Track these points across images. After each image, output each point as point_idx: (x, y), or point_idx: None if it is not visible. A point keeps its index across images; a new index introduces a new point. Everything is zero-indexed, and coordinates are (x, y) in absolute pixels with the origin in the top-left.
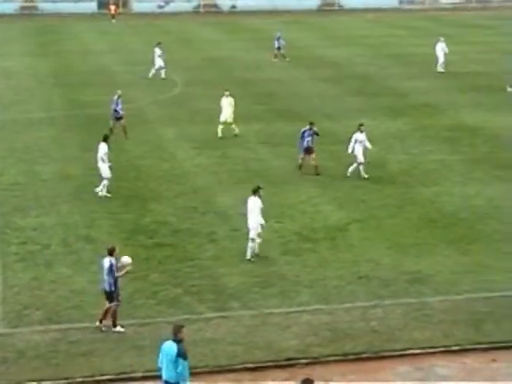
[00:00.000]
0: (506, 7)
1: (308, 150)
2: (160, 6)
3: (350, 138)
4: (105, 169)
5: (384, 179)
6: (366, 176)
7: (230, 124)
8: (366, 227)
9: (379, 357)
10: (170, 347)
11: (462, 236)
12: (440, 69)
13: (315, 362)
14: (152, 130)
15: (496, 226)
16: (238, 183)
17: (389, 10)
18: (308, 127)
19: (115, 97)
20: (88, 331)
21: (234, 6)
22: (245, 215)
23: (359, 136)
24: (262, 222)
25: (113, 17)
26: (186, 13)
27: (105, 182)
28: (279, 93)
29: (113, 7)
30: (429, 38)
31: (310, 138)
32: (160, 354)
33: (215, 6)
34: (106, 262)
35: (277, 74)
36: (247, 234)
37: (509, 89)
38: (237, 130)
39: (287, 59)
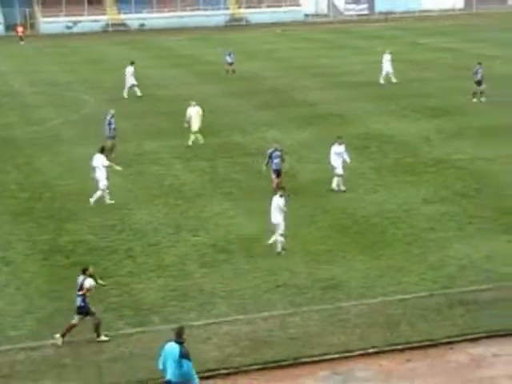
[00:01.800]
0: (407, 18)
1: (278, 173)
2: (68, 27)
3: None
4: (102, 179)
5: (296, 189)
6: (343, 189)
7: (198, 133)
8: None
9: (299, 363)
10: (172, 348)
11: (374, 241)
12: (382, 82)
13: (236, 371)
14: (66, 150)
15: (407, 230)
16: (153, 199)
17: (295, 23)
18: (273, 149)
19: (108, 116)
20: (7, 354)
21: (142, 25)
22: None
23: (337, 148)
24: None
25: (21, 39)
26: (95, 32)
27: (99, 192)
28: None
29: (20, 29)
30: (335, 50)
31: (277, 160)
32: (162, 356)
33: (123, 24)
34: (79, 279)
35: (186, 91)
36: (166, 248)
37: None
38: (202, 141)
39: (234, 74)
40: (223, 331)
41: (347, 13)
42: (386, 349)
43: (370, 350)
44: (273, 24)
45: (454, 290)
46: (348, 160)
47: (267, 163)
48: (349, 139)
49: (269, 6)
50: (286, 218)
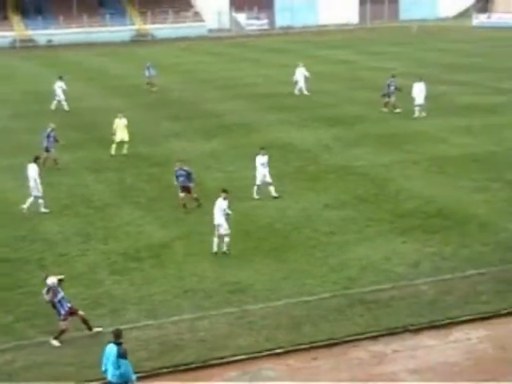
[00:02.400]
0: (306, 32)
1: (185, 189)
2: None
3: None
4: (35, 188)
5: (202, 196)
6: (275, 195)
7: (124, 143)
8: (188, 243)
9: (209, 365)
10: (111, 349)
11: (278, 245)
12: (297, 92)
13: (147, 375)
14: None
15: (309, 234)
16: (63, 210)
17: (199, 38)
18: (178, 167)
19: (48, 129)
20: None
21: (50, 41)
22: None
23: (261, 159)
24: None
25: None
26: (2, 48)
27: (31, 199)
28: (99, 121)
29: None
30: (238, 63)
31: (182, 178)
32: (103, 358)
33: (31, 40)
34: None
35: (95, 104)
36: (77, 257)
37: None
38: (126, 151)
39: (154, 89)
40: (133, 336)
41: (249, 28)
42: (292, 348)
43: (277, 351)
44: (177, 39)
45: (355, 290)
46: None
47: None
48: (253, 148)
49: (173, 22)
50: (228, 220)
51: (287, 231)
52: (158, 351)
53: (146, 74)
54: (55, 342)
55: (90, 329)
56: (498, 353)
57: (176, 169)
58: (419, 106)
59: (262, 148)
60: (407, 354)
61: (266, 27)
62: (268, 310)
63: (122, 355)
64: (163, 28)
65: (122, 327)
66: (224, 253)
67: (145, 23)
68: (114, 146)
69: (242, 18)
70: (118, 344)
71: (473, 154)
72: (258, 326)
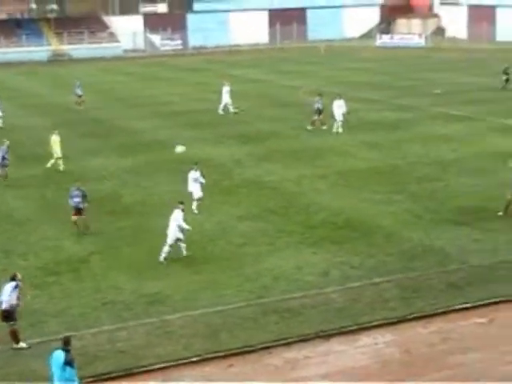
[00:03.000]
0: (219, 52)
1: (77, 211)
2: None
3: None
4: None
5: (119, 212)
6: (196, 211)
7: (59, 159)
8: (106, 257)
9: (129, 374)
10: (59, 355)
11: (195, 257)
12: (221, 112)
13: None
14: None
15: (224, 246)
16: None
17: (114, 58)
18: (74, 188)
19: (4, 146)
20: None
21: None
22: None
23: (193, 174)
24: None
25: None
26: None
27: None
28: (20, 139)
29: None
30: (153, 82)
31: (77, 199)
32: (51, 363)
33: None
34: (11, 284)
35: (15, 122)
36: None
37: (308, 127)
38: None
39: (82, 107)
40: (53, 348)
41: (163, 48)
42: (209, 356)
43: (195, 359)
44: (93, 59)
45: (269, 299)
46: (203, 181)
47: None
48: (168, 164)
49: (89, 43)
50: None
51: (204, 243)
52: (79, 362)
53: (78, 92)
54: (23, 344)
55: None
56: (403, 356)
57: (72, 189)
58: (338, 121)
59: (196, 163)
60: (319, 360)
61: (179, 47)
62: (186, 319)
63: (68, 362)
64: (79, 48)
65: (41, 340)
66: (187, 256)
67: (61, 44)
68: (52, 160)
69: (156, 38)
70: (67, 351)
71: (378, 168)
72: (176, 336)
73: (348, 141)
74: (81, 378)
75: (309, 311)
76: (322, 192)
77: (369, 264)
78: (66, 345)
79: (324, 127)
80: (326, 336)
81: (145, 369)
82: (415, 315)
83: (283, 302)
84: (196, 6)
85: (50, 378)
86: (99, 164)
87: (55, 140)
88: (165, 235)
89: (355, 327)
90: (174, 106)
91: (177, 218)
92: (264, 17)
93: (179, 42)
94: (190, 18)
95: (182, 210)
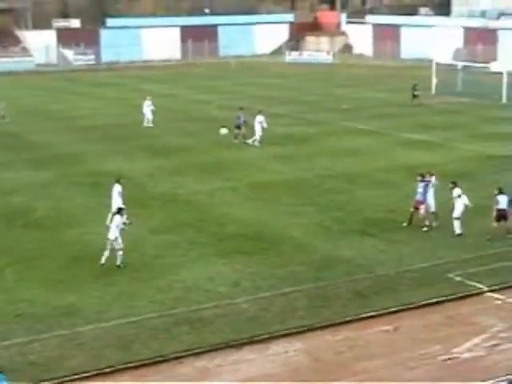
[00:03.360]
0: (132, 67)
1: None
2: None
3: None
4: None
5: (31, 225)
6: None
7: None
8: (19, 270)
9: None
10: None
11: (107, 269)
12: (146, 124)
13: None
14: None
15: (137, 258)
16: None
17: (27, 72)
18: None
19: None
20: None
21: None
22: None
23: (118, 188)
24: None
25: None
26: None
27: None
28: None
29: None
30: (65, 96)
31: None
32: None
33: None
34: None
35: None
36: None
37: (230, 138)
38: None
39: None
40: None
41: (76, 63)
42: (122, 367)
43: (107, 370)
44: (5, 73)
45: (181, 309)
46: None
47: None
48: (81, 178)
49: (1, 57)
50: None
51: (115, 256)
52: None
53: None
54: None
55: None
56: (312, 363)
57: None
58: (256, 136)
59: (119, 178)
60: (230, 368)
61: (92, 62)
62: (98, 331)
63: None
64: None
65: None
66: (118, 266)
67: None
68: None
69: (69, 53)
70: None
71: (288, 181)
72: (88, 347)
73: (259, 154)
74: None
75: (220, 321)
76: (233, 204)
77: (279, 274)
78: None
79: (249, 141)
80: (238, 345)
81: (57, 381)
82: (323, 324)
83: (195, 312)
84: (109, 22)
85: None
86: (10, 178)
87: None
88: (78, 247)
89: (266, 336)
90: (86, 120)
91: (118, 222)
92: (176, 33)
93: (92, 57)
94: (103, 34)
95: (122, 215)
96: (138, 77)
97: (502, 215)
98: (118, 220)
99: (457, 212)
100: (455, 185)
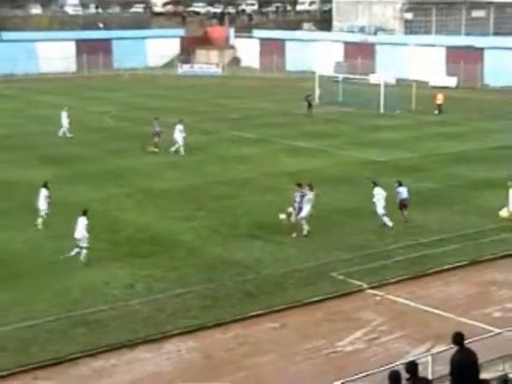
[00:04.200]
0: (27, 79)
1: None
2: None
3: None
4: None
5: None
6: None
7: None
8: None
9: None
10: None
11: (4, 275)
12: (62, 134)
13: None
14: None
15: (34, 264)
16: None
17: None
18: None
19: None
20: None
21: None
22: None
23: (44, 192)
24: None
25: None
26: None
27: None
28: None
29: None
30: None
31: None
32: None
33: None
34: None
35: None
36: None
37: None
38: None
39: None
40: None
41: None
42: (17, 370)
43: (2, 373)
44: None
45: (77, 312)
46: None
47: None
48: None
49: None
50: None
51: (14, 261)
52: None
53: None
54: None
55: None
56: (204, 360)
57: None
58: (179, 144)
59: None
60: (125, 368)
61: None
62: None
63: None
64: None
65: None
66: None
67: None
68: None
69: None
70: None
71: (180, 187)
72: None
73: (152, 162)
74: None
75: (115, 322)
76: (127, 210)
77: (172, 276)
78: None
79: (156, 150)
80: (132, 345)
81: None
82: (215, 322)
83: (91, 314)
84: (4, 35)
85: None
86: None
87: None
88: None
89: (159, 336)
90: None
91: (83, 223)
92: (71, 47)
93: None
94: None
95: (87, 218)
96: (34, 89)
97: (403, 204)
98: (85, 221)
99: (379, 208)
100: (375, 184)
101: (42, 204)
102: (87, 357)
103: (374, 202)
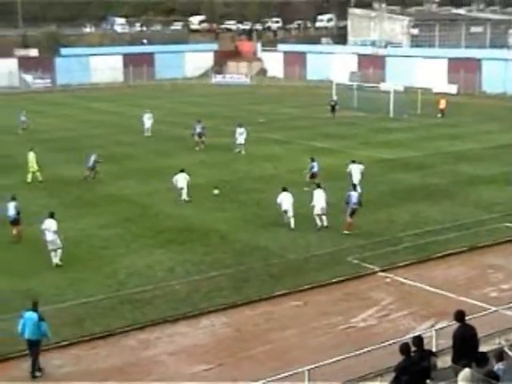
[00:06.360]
0: (82, 89)
1: None
2: None
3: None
4: None
5: None
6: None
7: (36, 172)
8: None
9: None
10: (31, 315)
11: (62, 259)
12: (147, 133)
13: None
14: None
15: (87, 249)
16: None
17: None
18: None
19: None
20: None
21: None
22: None
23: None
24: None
25: None
26: None
27: None
28: None
29: None
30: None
31: None
32: (22, 322)
33: None
34: None
35: None
36: None
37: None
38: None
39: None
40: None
41: (35, 86)
42: (75, 340)
43: (63, 343)
44: None
45: (124, 292)
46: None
47: None
48: (39, 183)
49: None
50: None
51: (70, 248)
52: None
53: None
54: None
55: None
56: (235, 334)
57: None
58: (239, 145)
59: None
60: (167, 340)
61: (49, 85)
62: (55, 311)
63: (42, 318)
64: None
65: None
66: (57, 265)
67: None
68: (29, 175)
69: (29, 77)
70: (36, 310)
71: (214, 183)
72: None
73: (189, 160)
74: None
75: (158, 301)
76: (168, 203)
77: (206, 261)
78: (35, 306)
79: (197, 148)
80: (173, 320)
81: (18, 354)
82: (244, 301)
83: (136, 294)
84: (63, 51)
85: (21, 334)
86: None
87: (30, 156)
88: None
89: (196, 312)
90: (44, 134)
91: (52, 227)
92: (119, 60)
93: (49, 80)
94: (58, 61)
95: (55, 220)
96: (87, 97)
97: (353, 210)
98: (54, 225)
99: (317, 209)
100: (319, 186)
101: (181, 182)
102: (134, 330)
103: (313, 205)
